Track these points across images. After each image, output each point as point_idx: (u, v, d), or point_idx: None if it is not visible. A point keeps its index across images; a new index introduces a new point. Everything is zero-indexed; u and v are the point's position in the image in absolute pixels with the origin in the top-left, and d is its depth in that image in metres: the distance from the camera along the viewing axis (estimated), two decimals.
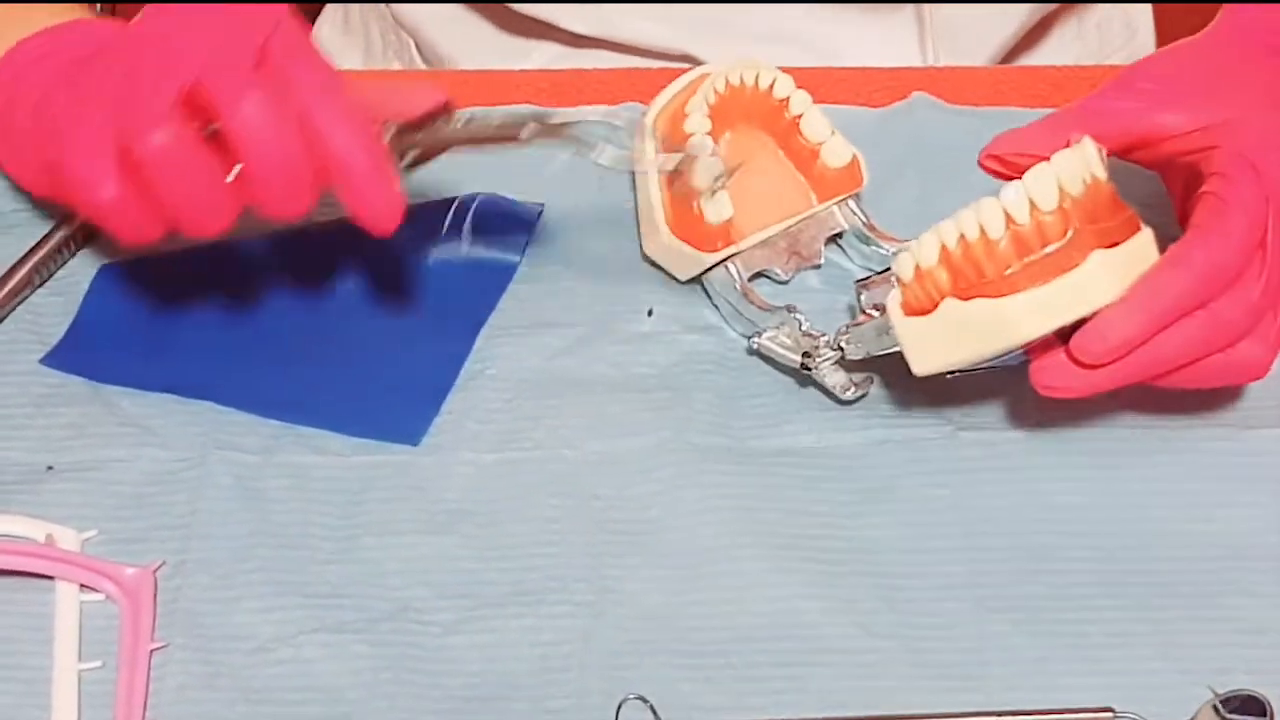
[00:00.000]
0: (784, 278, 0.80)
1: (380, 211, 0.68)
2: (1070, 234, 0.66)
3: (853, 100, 0.87)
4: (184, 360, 0.78)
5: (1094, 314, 0.66)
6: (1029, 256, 0.66)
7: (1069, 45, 1.02)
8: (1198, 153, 0.70)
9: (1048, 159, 0.67)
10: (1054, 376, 0.68)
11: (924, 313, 0.69)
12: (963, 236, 0.67)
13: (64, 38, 0.73)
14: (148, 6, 0.69)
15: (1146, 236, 0.69)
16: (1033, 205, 0.66)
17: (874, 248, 0.80)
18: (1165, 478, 0.74)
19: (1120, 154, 0.72)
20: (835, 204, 0.79)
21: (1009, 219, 0.66)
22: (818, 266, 0.81)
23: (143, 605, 0.70)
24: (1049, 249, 0.66)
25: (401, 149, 0.70)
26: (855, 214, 0.80)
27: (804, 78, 0.79)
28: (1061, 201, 0.66)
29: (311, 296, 0.80)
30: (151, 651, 0.69)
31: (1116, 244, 0.67)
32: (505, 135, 0.71)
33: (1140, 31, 1.04)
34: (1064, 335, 0.68)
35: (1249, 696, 0.65)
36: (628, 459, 0.75)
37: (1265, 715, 0.65)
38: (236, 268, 0.80)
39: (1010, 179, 0.68)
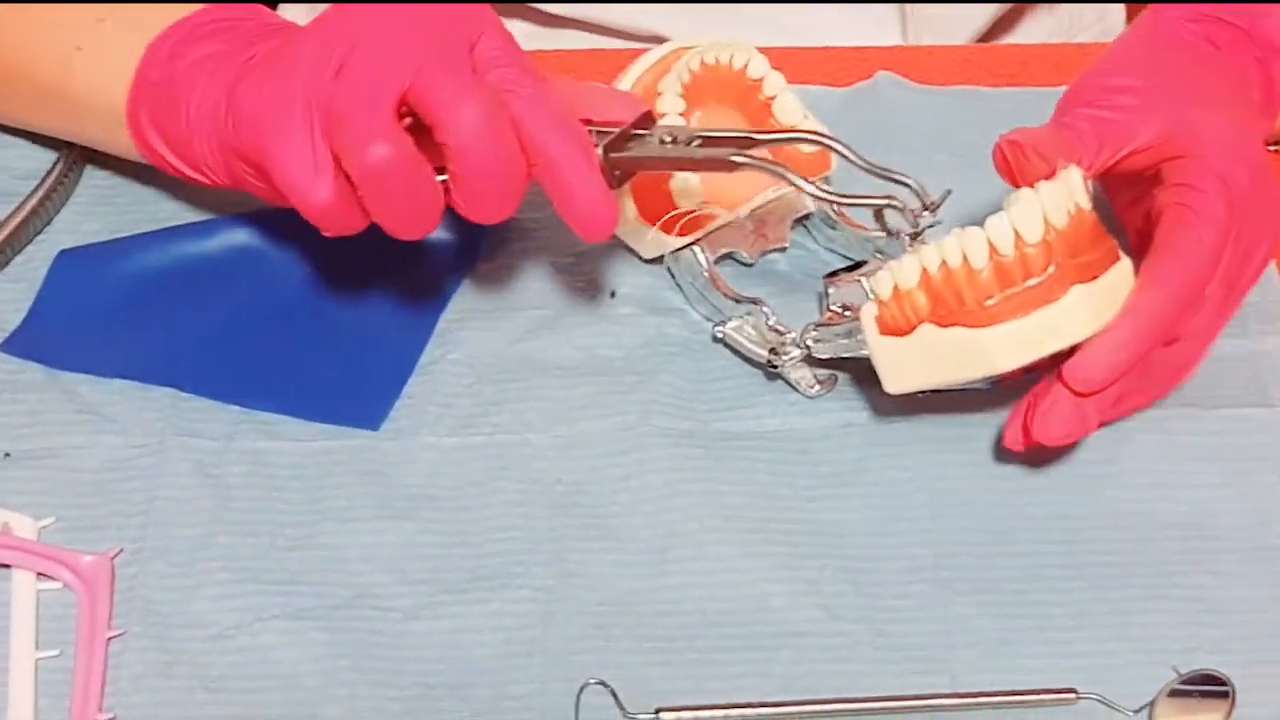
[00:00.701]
0: (750, 260, 0.80)
1: (597, 218, 0.69)
2: (1053, 268, 0.67)
3: (821, 80, 0.87)
4: (143, 346, 0.77)
5: (1072, 347, 0.68)
6: (1011, 289, 0.67)
7: (1041, 20, 1.02)
8: (1161, 161, 0.70)
9: (1051, 173, 0.67)
10: (1057, 423, 0.69)
11: (900, 332, 0.69)
12: (944, 263, 0.67)
13: (239, 20, 0.73)
14: (335, 5, 0.69)
15: (1125, 267, 0.69)
16: (1017, 236, 0.66)
17: (840, 232, 0.80)
18: (1128, 458, 0.74)
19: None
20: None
21: (993, 249, 0.66)
22: (784, 249, 0.81)
23: (100, 593, 0.70)
24: (1030, 282, 0.67)
25: (611, 165, 0.70)
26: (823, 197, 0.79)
27: (772, 56, 0.79)
28: (1046, 234, 0.66)
29: (271, 281, 0.79)
30: (109, 640, 0.69)
31: (1096, 276, 0.68)
32: (717, 165, 0.71)
33: (1111, 11, 1.04)
34: (1031, 369, 0.69)
35: (1212, 676, 0.65)
36: (592, 442, 0.75)
37: (1228, 695, 0.65)
38: (195, 253, 0.80)
39: (1012, 176, 0.68)
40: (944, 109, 0.79)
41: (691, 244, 0.78)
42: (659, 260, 0.80)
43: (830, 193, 0.69)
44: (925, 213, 0.71)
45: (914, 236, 0.71)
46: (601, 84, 0.77)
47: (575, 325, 0.79)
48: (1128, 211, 0.75)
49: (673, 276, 0.80)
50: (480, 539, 0.72)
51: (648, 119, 0.72)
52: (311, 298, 0.79)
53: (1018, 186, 0.68)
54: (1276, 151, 0.82)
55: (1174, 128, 0.69)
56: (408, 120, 0.67)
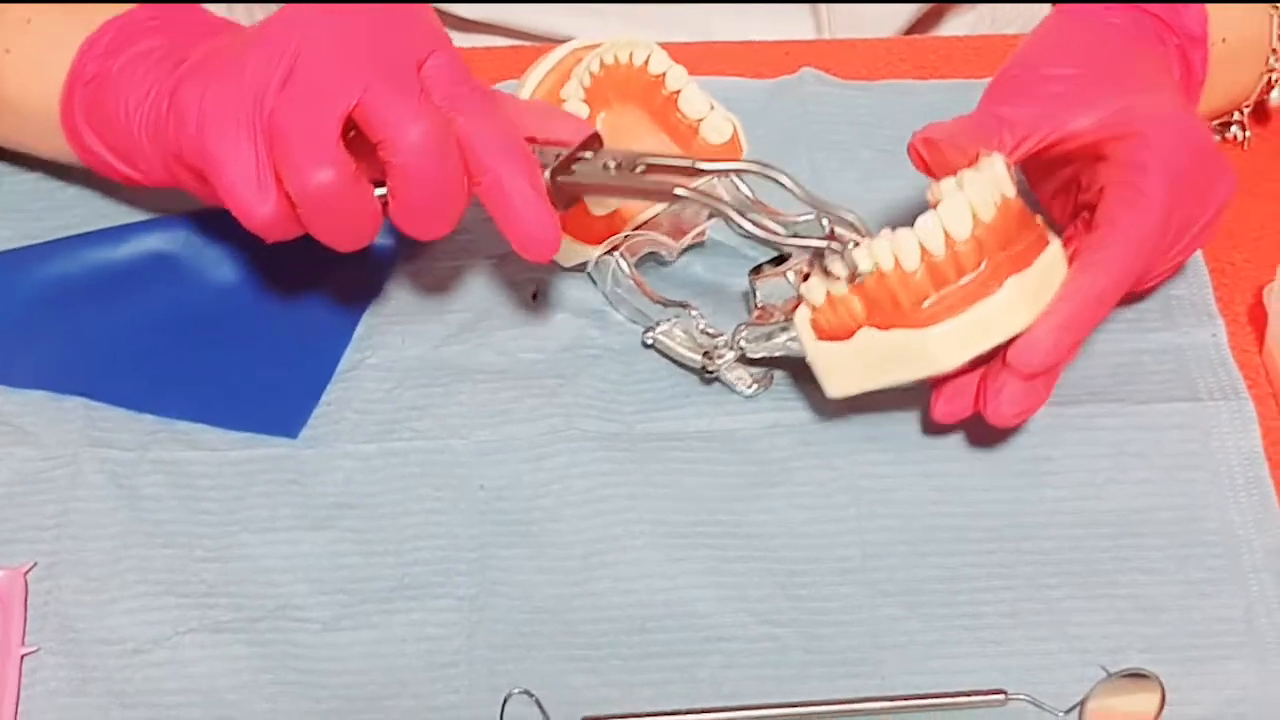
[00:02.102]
0: (670, 257, 0.80)
1: (541, 241, 0.69)
2: (985, 264, 0.67)
3: (741, 75, 0.87)
4: (55, 356, 0.77)
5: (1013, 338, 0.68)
6: (945, 288, 0.67)
7: (964, 16, 1.02)
8: (1100, 143, 0.70)
9: (973, 161, 0.67)
10: (1010, 404, 0.69)
11: (838, 337, 0.70)
12: (877, 266, 0.67)
13: (179, 16, 0.73)
14: (286, 7, 0.69)
15: (1056, 249, 0.70)
16: (947, 235, 0.66)
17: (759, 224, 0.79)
18: (1058, 455, 0.74)
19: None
20: (716, 178, 0.76)
21: (924, 250, 0.67)
22: (702, 242, 0.80)
23: (12, 609, 0.69)
24: (965, 279, 0.67)
25: (555, 188, 0.70)
26: (739, 189, 0.78)
27: (689, 53, 0.79)
28: (975, 229, 0.67)
29: (186, 287, 0.79)
30: (22, 657, 0.68)
31: (1029, 263, 0.68)
32: (661, 194, 0.71)
33: (1038, 9, 1.05)
34: (973, 364, 0.69)
35: (1141, 674, 0.66)
36: (515, 447, 0.75)
37: (1158, 693, 0.66)
38: (108, 260, 0.79)
39: (930, 172, 0.68)
40: (869, 103, 0.79)
41: (611, 251, 0.78)
42: (580, 267, 0.80)
43: (769, 231, 0.69)
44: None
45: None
46: (547, 103, 0.77)
47: (497, 328, 0.79)
48: (1056, 197, 0.76)
49: (595, 283, 0.80)
50: (402, 547, 0.72)
51: (594, 141, 0.72)
52: (227, 303, 0.79)
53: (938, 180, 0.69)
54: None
55: (1115, 111, 0.70)
56: (351, 134, 0.67)
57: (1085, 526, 0.73)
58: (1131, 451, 0.75)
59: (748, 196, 0.78)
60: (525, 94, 0.79)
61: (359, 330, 0.79)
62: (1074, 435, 0.75)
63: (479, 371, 0.77)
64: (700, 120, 0.79)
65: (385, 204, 0.69)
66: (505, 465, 0.74)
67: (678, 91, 0.78)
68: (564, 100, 0.77)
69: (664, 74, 0.78)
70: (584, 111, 0.77)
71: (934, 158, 0.70)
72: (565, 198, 0.71)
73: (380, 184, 0.69)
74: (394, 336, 0.79)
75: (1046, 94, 0.70)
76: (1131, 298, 0.76)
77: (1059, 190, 0.75)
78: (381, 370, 0.77)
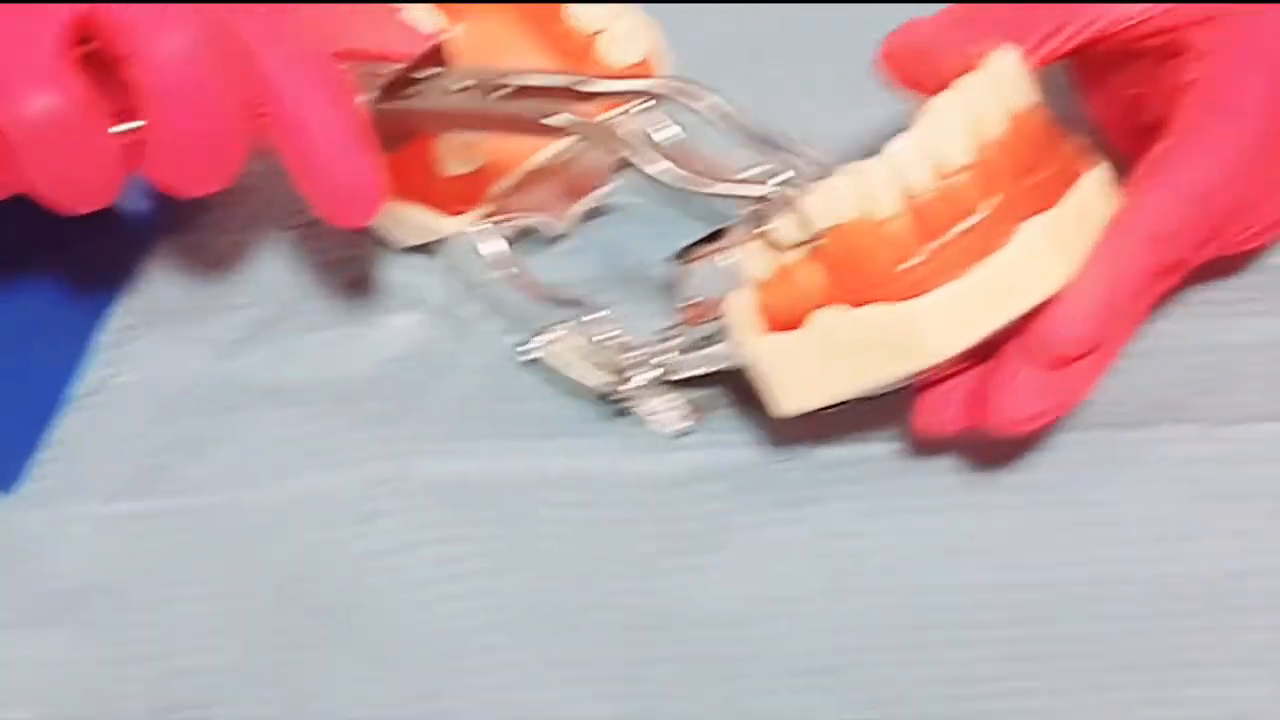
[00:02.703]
0: (557, 230, 0.70)
1: (353, 195, 0.61)
2: (993, 198, 0.58)
3: None
4: None
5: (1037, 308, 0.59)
6: (937, 239, 0.58)
7: None
8: (1164, 36, 0.62)
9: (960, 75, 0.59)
10: (1020, 400, 0.60)
11: (790, 325, 0.60)
12: (839, 217, 0.59)
13: None
14: None
15: (1099, 178, 0.61)
16: (935, 163, 0.58)
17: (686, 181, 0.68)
18: (1111, 498, 0.64)
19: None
20: (621, 116, 0.66)
21: (903, 188, 0.58)
22: (605, 210, 0.71)
23: None
24: (965, 224, 0.58)
25: (381, 120, 0.62)
26: (655, 128, 0.68)
27: None
28: (977, 153, 0.58)
29: None
30: None
31: (1057, 200, 0.59)
32: (525, 125, 0.63)
33: None
34: (977, 351, 0.60)
35: None
36: (331, 504, 0.65)
37: None
38: None
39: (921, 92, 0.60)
40: (829, 8, 0.74)
41: (475, 224, 0.69)
42: (425, 248, 0.71)
43: (688, 176, 0.60)
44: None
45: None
46: (371, 5, 0.69)
47: (304, 330, 0.69)
48: (1110, 104, 0.67)
49: (448, 269, 0.71)
50: (164, 651, 0.62)
51: (436, 56, 0.64)
52: None
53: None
54: None
55: None
56: (83, 49, 0.60)
57: (1156, 601, 0.61)
58: (1218, 493, 0.63)
59: (666, 137, 0.68)
60: None
61: (103, 338, 0.69)
62: (1136, 470, 0.64)
63: (278, 393, 0.67)
64: (598, 33, 0.70)
65: (135, 149, 0.61)
66: (315, 530, 0.64)
67: None
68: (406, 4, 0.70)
69: None
70: (435, 20, 0.69)
71: (915, 72, 0.61)
72: (393, 133, 0.63)
73: (129, 117, 0.61)
74: (154, 344, 0.69)
75: None
76: (1217, 266, 0.66)
77: (1114, 99, 0.67)
78: (137, 394, 0.68)
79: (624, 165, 0.69)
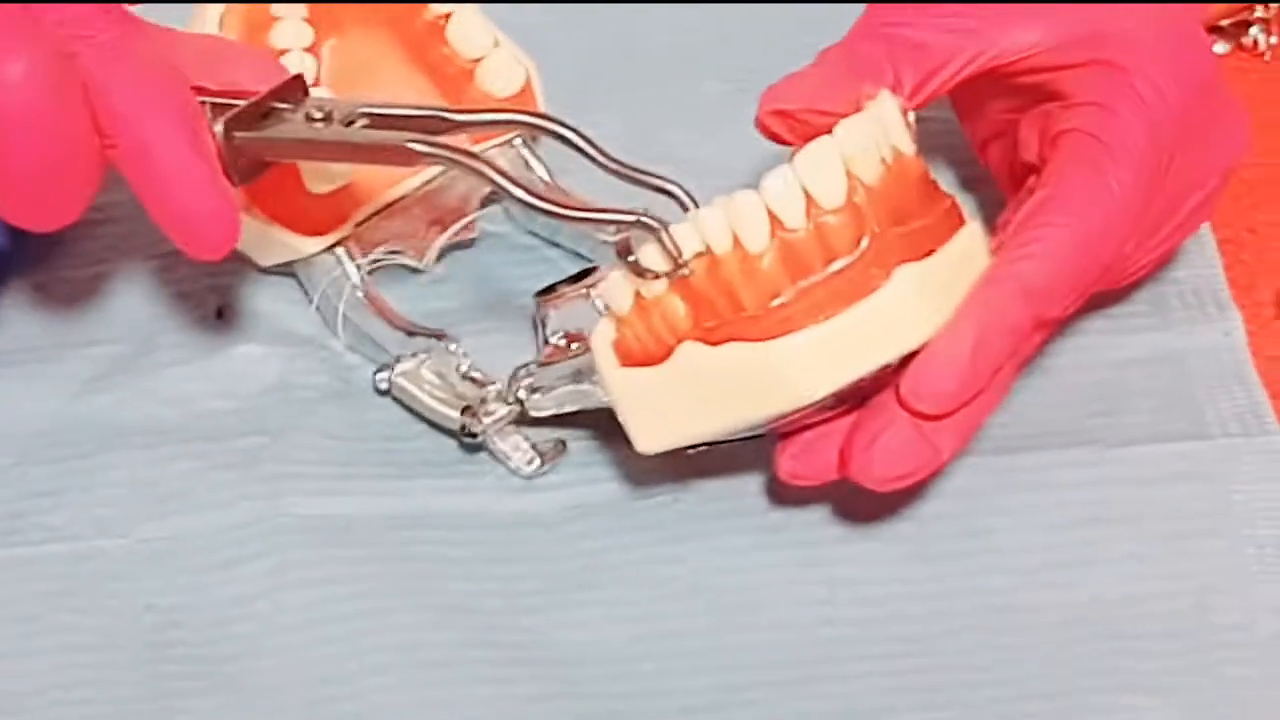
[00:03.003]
0: (420, 264, 0.69)
1: (207, 227, 0.59)
2: (866, 242, 0.57)
3: None
4: None
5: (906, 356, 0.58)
6: (807, 278, 0.57)
7: None
8: (1053, 71, 0.61)
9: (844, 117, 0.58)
10: (887, 456, 0.58)
11: (652, 360, 0.59)
12: (708, 249, 0.57)
13: None
14: None
15: (973, 231, 0.60)
16: (810, 201, 0.56)
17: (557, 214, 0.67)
18: (1001, 525, 0.62)
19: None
20: (496, 147, 0.69)
21: (775, 223, 0.56)
22: (471, 242, 0.70)
23: None
24: (836, 265, 0.57)
25: (234, 151, 0.61)
26: (528, 162, 0.69)
27: None
28: (852, 194, 0.57)
29: None
30: None
31: (932, 250, 0.58)
32: (389, 155, 0.60)
33: None
34: (844, 398, 0.59)
35: None
36: (198, 547, 0.63)
37: None
38: None
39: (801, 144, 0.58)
40: (715, 21, 0.73)
41: (333, 245, 0.68)
42: (285, 268, 0.69)
43: (559, 204, 0.58)
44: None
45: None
46: (221, 38, 0.68)
47: (165, 366, 0.68)
48: (991, 144, 0.67)
49: (307, 294, 0.70)
50: (23, 705, 0.60)
51: (295, 88, 0.62)
52: None
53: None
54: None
55: (1076, 24, 0.61)
56: None
57: (1049, 630, 0.61)
58: (1112, 516, 0.63)
59: (542, 173, 0.69)
60: (212, 13, 0.69)
61: None
62: (1026, 497, 0.63)
63: (139, 432, 0.66)
64: (478, 61, 0.69)
65: None
66: (183, 575, 0.63)
67: (447, 16, 0.69)
68: (276, 19, 0.68)
69: None
70: (305, 38, 0.68)
71: (799, 131, 0.59)
72: (247, 165, 0.61)
73: None
74: (9, 384, 0.68)
75: (958, 10, 0.61)
76: (1103, 297, 0.65)
77: (997, 138, 0.66)
78: None
79: (493, 195, 0.68)
